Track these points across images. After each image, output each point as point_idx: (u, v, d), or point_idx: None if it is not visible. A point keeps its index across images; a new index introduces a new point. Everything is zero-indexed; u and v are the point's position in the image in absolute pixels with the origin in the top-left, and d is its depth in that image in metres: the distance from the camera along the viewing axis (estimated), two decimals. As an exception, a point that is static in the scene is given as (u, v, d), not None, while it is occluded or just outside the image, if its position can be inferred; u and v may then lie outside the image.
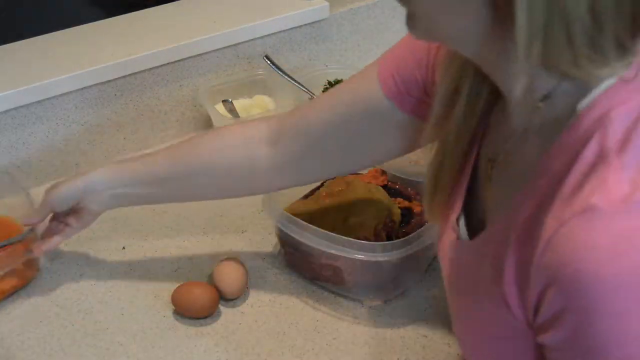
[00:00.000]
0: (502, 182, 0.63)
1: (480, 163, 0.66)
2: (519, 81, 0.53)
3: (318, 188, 1.06)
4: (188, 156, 0.90)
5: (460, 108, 0.63)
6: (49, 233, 0.97)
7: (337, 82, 1.30)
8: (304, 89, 1.25)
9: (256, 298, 0.99)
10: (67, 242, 1.09)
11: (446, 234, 0.70)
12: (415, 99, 0.74)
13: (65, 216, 0.96)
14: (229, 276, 0.96)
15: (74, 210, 0.95)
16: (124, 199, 0.94)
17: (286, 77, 1.27)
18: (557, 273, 0.49)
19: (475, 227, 0.66)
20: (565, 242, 0.48)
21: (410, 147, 0.80)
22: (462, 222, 0.67)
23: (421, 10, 0.56)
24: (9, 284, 0.98)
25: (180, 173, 0.90)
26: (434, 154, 0.68)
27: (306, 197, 1.06)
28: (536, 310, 0.52)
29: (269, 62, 1.28)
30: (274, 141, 0.85)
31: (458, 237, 0.67)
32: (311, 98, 1.22)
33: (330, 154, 0.83)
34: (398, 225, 1.00)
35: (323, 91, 1.27)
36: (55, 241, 0.96)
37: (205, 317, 0.95)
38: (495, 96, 0.62)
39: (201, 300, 0.94)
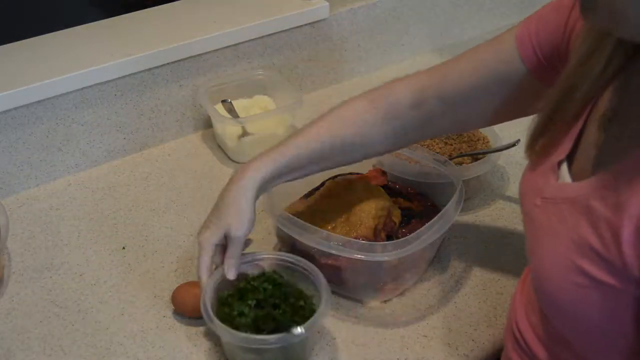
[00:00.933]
0: (619, 135, 0.65)
1: (592, 116, 0.69)
2: None
3: (318, 188, 1.06)
4: (344, 128, 0.92)
5: (597, 65, 0.65)
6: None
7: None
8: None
9: (256, 298, 0.99)
10: (67, 242, 1.09)
11: (538, 175, 0.73)
12: (547, 64, 0.78)
13: None
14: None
15: None
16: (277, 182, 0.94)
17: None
18: None
19: (575, 172, 0.69)
20: None
21: (523, 112, 0.85)
22: (564, 165, 0.70)
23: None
24: None
25: (339, 147, 0.92)
26: (555, 96, 0.71)
27: (306, 196, 1.06)
28: None
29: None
30: (417, 104, 0.89)
31: (557, 180, 0.70)
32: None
33: (462, 114, 0.89)
34: (398, 225, 1.01)
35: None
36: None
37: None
38: (630, 57, 0.65)
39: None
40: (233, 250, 0.89)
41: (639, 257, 0.57)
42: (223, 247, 0.90)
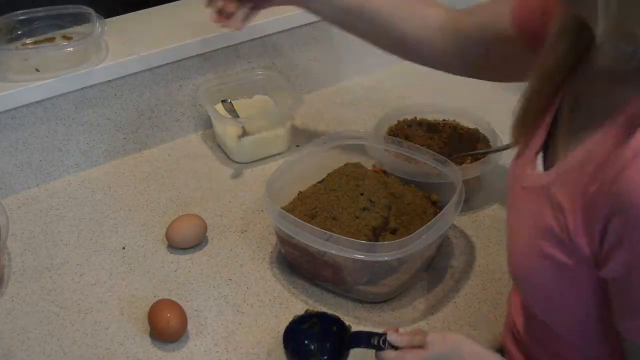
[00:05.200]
0: (581, 122, 0.67)
1: (563, 106, 0.71)
2: (601, 26, 0.56)
3: (316, 185, 1.06)
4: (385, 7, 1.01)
5: (564, 46, 0.68)
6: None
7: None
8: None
9: (256, 298, 0.99)
10: (67, 242, 1.09)
11: (520, 164, 0.75)
12: (533, 33, 0.81)
13: None
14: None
15: None
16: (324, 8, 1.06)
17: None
18: (623, 200, 0.55)
19: (551, 162, 0.71)
20: (635, 173, 0.54)
21: (510, 77, 0.92)
22: (540, 156, 0.72)
23: None
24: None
25: (374, 18, 1.02)
26: (526, 90, 0.73)
27: (305, 193, 1.06)
28: (601, 240, 0.59)
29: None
30: (442, 28, 0.98)
31: (533, 170, 0.72)
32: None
33: (471, 59, 0.96)
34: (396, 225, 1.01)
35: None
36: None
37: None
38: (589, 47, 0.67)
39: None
40: None
41: (588, 240, 0.61)
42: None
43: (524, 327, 0.79)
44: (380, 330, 0.80)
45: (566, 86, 0.71)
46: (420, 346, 0.75)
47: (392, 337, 0.77)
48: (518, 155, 0.77)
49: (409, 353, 0.75)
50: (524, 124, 0.74)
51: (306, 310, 0.89)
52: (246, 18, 1.07)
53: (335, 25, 1.08)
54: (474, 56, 0.95)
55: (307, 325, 0.86)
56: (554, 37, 0.69)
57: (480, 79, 1.01)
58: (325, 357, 0.85)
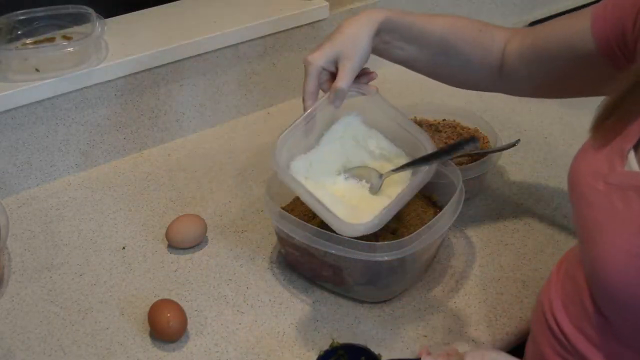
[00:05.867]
0: None
1: None
2: None
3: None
4: (453, 33, 0.95)
5: None
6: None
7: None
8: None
9: (256, 298, 0.99)
10: (67, 242, 1.09)
11: (602, 158, 0.72)
12: (616, 47, 0.79)
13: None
14: None
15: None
16: (386, 47, 0.94)
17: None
18: None
19: None
20: None
21: (590, 91, 0.88)
22: (632, 153, 0.69)
23: None
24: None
25: (438, 44, 0.94)
26: (630, 80, 0.70)
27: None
28: None
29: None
30: (510, 53, 0.94)
31: (623, 167, 0.69)
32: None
33: (540, 80, 0.92)
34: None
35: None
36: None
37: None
38: None
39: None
40: (341, 76, 0.86)
41: None
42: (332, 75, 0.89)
43: (570, 326, 0.75)
44: (412, 356, 0.78)
45: None
46: None
47: None
48: (597, 149, 0.74)
49: None
50: (615, 119, 0.72)
51: (331, 343, 0.85)
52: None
53: (400, 62, 0.99)
54: (555, 75, 0.90)
55: (335, 359, 0.83)
56: None
57: (549, 97, 0.98)
58: None
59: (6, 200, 1.18)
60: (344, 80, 0.87)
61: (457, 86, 1.03)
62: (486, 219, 1.13)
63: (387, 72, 1.55)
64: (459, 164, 1.11)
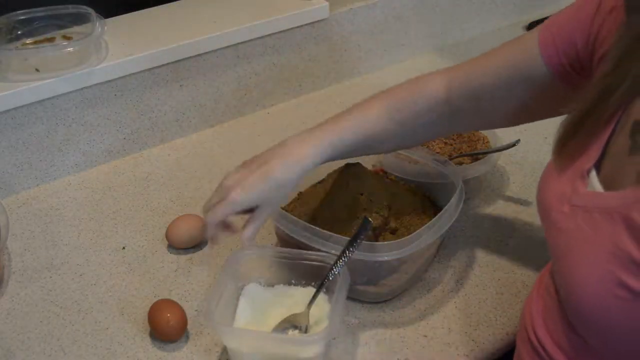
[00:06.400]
0: None
1: (622, 123, 0.68)
2: None
3: (316, 185, 1.06)
4: (398, 107, 0.91)
5: (635, 68, 0.64)
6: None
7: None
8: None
9: (256, 298, 0.99)
10: (67, 242, 1.09)
11: (564, 181, 0.71)
12: (571, 69, 0.78)
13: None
14: None
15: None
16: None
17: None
18: None
19: (604, 180, 0.68)
20: None
21: (548, 114, 0.86)
22: (593, 173, 0.69)
23: None
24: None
25: (393, 128, 0.91)
26: (589, 98, 0.69)
27: (305, 193, 1.06)
28: None
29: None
30: (447, 98, 0.90)
31: (586, 186, 0.68)
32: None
33: (486, 112, 0.89)
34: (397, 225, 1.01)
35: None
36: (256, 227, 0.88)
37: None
38: None
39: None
40: (257, 216, 0.85)
41: None
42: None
43: (550, 341, 0.75)
44: None
45: (627, 107, 0.68)
46: None
47: None
48: (560, 171, 0.73)
49: None
50: (577, 139, 0.71)
51: None
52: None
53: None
54: (508, 104, 0.87)
55: None
56: (620, 60, 0.65)
57: (516, 124, 0.96)
58: None
59: (6, 200, 1.18)
60: (250, 230, 0.86)
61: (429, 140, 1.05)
62: (486, 219, 1.12)
63: (386, 73, 1.55)
64: (459, 164, 1.11)
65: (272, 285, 0.95)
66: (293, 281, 0.95)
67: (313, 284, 0.93)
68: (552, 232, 0.72)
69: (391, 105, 0.91)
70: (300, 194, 1.07)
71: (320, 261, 0.91)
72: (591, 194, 0.67)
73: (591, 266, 0.64)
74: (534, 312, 0.79)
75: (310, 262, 0.91)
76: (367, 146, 0.92)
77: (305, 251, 0.92)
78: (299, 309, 0.89)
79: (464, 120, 0.93)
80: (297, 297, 0.92)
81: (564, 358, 0.73)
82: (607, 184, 0.67)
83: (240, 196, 0.84)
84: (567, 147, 0.72)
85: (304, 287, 0.94)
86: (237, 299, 0.93)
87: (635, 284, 0.59)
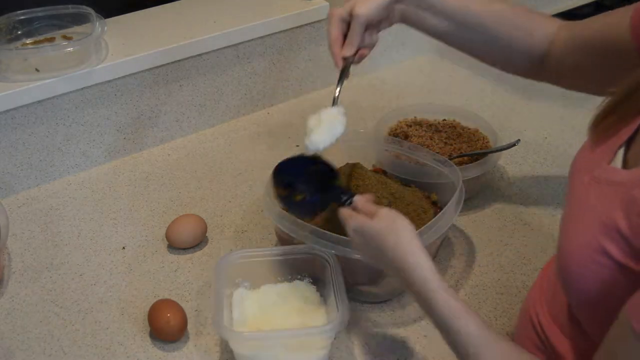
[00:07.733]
0: None
1: None
2: None
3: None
4: (494, 16, 0.97)
5: None
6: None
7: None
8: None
9: (256, 298, 0.99)
10: (67, 242, 1.09)
11: (596, 155, 0.73)
12: None
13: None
14: None
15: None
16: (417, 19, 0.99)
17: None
18: None
19: (629, 159, 0.70)
20: None
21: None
22: (621, 151, 0.70)
23: None
24: None
25: (476, 24, 0.97)
26: (633, 81, 0.71)
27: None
28: None
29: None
30: (553, 42, 0.96)
31: (609, 163, 0.70)
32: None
33: (581, 73, 0.94)
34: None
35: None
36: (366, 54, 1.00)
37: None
38: None
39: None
40: (351, 30, 0.95)
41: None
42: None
43: (551, 324, 0.77)
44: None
45: None
46: (372, 214, 0.80)
47: (356, 198, 0.85)
48: (594, 146, 0.75)
49: (356, 217, 0.82)
50: (613, 117, 0.73)
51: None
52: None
53: (436, 36, 1.02)
54: (590, 67, 0.92)
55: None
56: None
57: (588, 92, 0.98)
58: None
59: (6, 200, 1.18)
60: (351, 35, 0.96)
61: (492, 66, 1.05)
62: (486, 219, 1.13)
63: (385, 73, 1.55)
64: (459, 163, 1.11)
65: (259, 287, 0.95)
66: (279, 278, 0.95)
67: (299, 277, 0.95)
68: (568, 197, 0.75)
69: (494, 14, 0.96)
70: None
71: (305, 253, 0.93)
72: (609, 169, 0.69)
73: (582, 231, 0.67)
74: (537, 295, 0.81)
75: (293, 256, 0.94)
76: (451, 16, 0.97)
77: (284, 246, 0.95)
78: (299, 303, 0.91)
79: (553, 70, 0.96)
80: (290, 293, 0.93)
81: (562, 339, 0.75)
82: (631, 163, 0.69)
83: (335, 10, 0.95)
84: (602, 125, 0.74)
85: (290, 282, 0.95)
86: (231, 305, 0.93)
87: (616, 252, 0.62)
